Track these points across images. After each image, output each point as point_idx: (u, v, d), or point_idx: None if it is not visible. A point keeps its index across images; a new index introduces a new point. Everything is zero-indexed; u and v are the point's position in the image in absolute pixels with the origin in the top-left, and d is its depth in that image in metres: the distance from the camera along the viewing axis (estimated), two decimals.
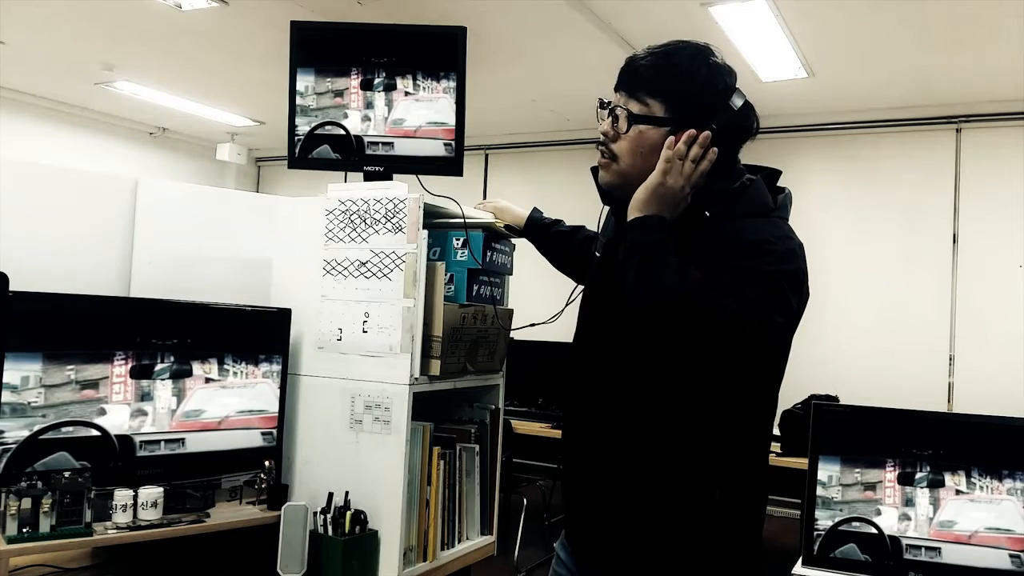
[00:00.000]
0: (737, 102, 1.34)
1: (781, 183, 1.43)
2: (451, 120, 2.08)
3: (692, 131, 1.30)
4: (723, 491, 1.33)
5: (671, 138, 1.31)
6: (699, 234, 1.30)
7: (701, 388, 1.30)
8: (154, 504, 1.79)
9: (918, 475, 1.93)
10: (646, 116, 1.33)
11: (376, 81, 2.10)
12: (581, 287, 1.61)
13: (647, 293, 1.25)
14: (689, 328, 1.22)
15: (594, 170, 1.44)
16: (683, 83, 1.33)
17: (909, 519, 1.92)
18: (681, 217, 1.32)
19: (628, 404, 1.36)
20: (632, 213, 1.32)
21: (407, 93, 2.09)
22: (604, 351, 1.42)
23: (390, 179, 2.08)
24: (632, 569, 1.35)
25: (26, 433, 1.70)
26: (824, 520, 1.96)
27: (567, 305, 1.64)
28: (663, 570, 1.34)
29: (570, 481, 1.48)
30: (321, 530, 1.89)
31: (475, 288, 2.06)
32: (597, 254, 1.52)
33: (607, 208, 1.52)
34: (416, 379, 1.91)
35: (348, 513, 1.88)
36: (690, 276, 1.23)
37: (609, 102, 1.39)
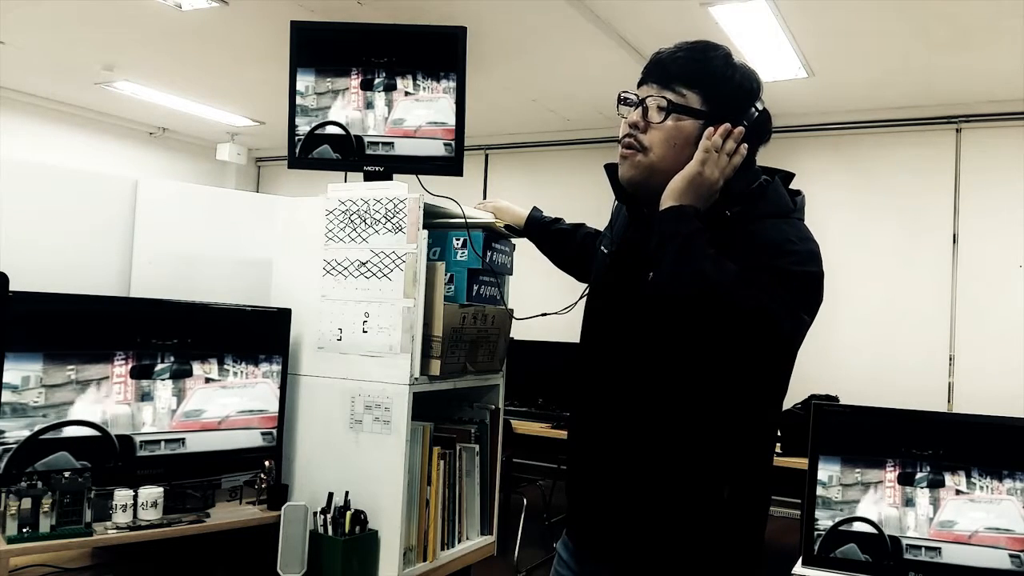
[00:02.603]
0: (759, 105, 1.37)
1: None
2: (451, 120, 2.08)
3: (728, 124, 1.31)
4: (731, 490, 1.33)
5: (711, 128, 1.31)
6: (720, 234, 1.30)
7: (714, 386, 1.30)
8: (154, 504, 1.79)
9: (918, 475, 1.93)
10: (684, 106, 1.33)
11: (376, 81, 2.10)
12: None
13: (684, 282, 1.23)
14: (723, 322, 1.22)
15: (608, 167, 1.44)
16: (722, 78, 1.34)
17: (907, 519, 1.92)
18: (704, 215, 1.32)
19: (638, 402, 1.35)
20: (667, 202, 1.31)
21: (407, 93, 2.09)
22: (613, 348, 1.41)
23: (390, 179, 2.08)
24: (639, 568, 1.35)
25: (26, 433, 1.71)
26: (824, 520, 1.96)
27: (581, 297, 1.63)
28: (670, 569, 1.34)
29: (577, 480, 1.48)
30: (321, 530, 1.89)
31: (475, 288, 2.06)
32: (603, 250, 1.52)
33: (616, 203, 1.51)
34: (416, 379, 1.91)
35: (348, 513, 1.88)
36: (727, 269, 1.23)
37: (633, 95, 1.38)
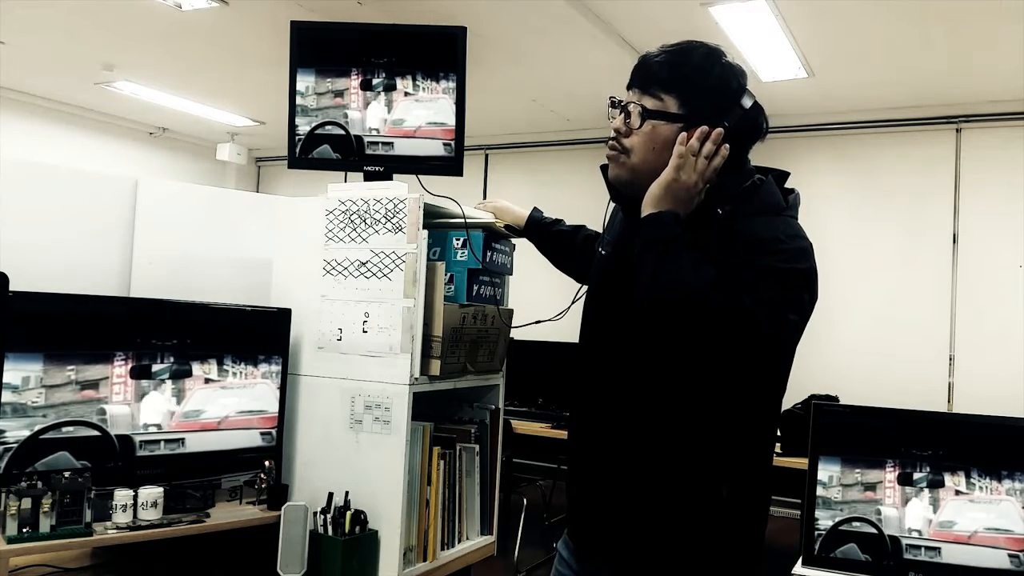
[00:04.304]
0: (747, 102, 1.35)
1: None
2: (451, 120, 2.08)
3: (705, 127, 1.31)
4: (730, 489, 1.33)
5: (683, 134, 1.31)
6: (711, 232, 1.31)
7: (710, 386, 1.31)
8: (154, 504, 1.79)
9: (918, 475, 1.93)
10: (660, 111, 1.34)
11: (376, 81, 2.10)
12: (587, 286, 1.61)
13: (663, 289, 1.25)
14: (705, 325, 1.23)
15: (604, 168, 1.44)
16: (697, 80, 1.34)
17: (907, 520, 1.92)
18: (693, 215, 1.32)
19: (636, 403, 1.36)
20: (646, 209, 1.32)
21: (407, 93, 2.09)
22: (611, 349, 1.42)
23: (390, 179, 2.08)
24: (639, 568, 1.35)
25: (27, 433, 1.71)
26: (824, 520, 1.96)
27: (573, 303, 1.64)
28: (670, 568, 1.34)
29: (577, 480, 1.48)
30: (321, 530, 1.89)
31: (475, 288, 2.06)
32: (601, 251, 1.52)
33: (612, 205, 1.52)
34: (416, 379, 1.91)
35: (348, 513, 1.88)
36: (706, 272, 1.24)
37: (620, 100, 1.39)
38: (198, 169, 7.72)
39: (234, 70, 5.37)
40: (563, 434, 4.30)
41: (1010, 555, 1.85)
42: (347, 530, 1.87)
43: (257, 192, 7.93)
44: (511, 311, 2.21)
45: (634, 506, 1.35)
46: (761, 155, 1.42)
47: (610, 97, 1.41)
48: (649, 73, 1.36)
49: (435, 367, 1.95)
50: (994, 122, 5.05)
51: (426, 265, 1.94)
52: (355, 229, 2.00)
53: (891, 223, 5.31)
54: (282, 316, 2.07)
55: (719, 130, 1.31)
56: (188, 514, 1.85)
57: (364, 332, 1.96)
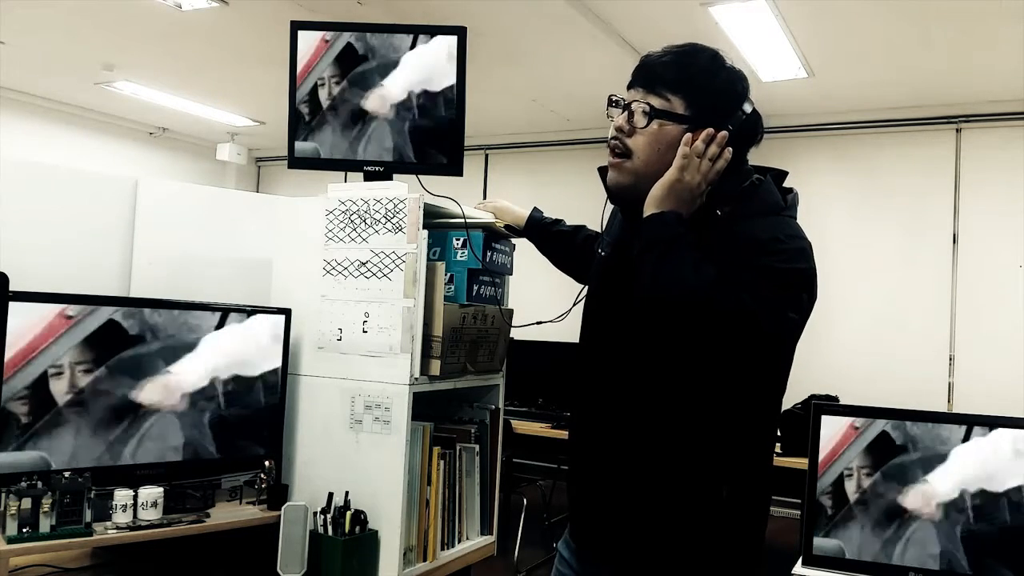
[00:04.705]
0: (747, 107, 1.37)
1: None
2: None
3: (710, 130, 1.31)
4: (730, 490, 1.33)
5: (688, 135, 1.32)
6: (711, 233, 1.31)
7: (710, 386, 1.31)
8: (154, 504, 1.79)
9: None
10: (666, 111, 1.34)
11: None
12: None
13: (663, 288, 1.25)
14: (705, 325, 1.23)
15: (601, 170, 1.44)
16: (705, 82, 1.34)
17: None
18: (693, 217, 1.32)
19: (636, 403, 1.36)
20: (648, 209, 1.32)
21: None
22: (611, 350, 1.42)
23: (390, 179, 2.08)
24: (640, 568, 1.35)
25: None
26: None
27: (574, 304, 1.64)
28: (671, 568, 1.34)
29: (578, 480, 1.48)
30: (321, 530, 1.89)
31: (475, 288, 2.06)
32: (601, 252, 1.52)
33: (611, 206, 1.52)
34: (416, 379, 1.91)
35: (348, 513, 1.88)
36: (707, 272, 1.24)
37: (620, 99, 1.39)
38: (198, 169, 7.72)
39: (234, 70, 5.37)
40: (563, 434, 4.31)
41: None
42: (347, 530, 1.87)
43: (257, 192, 7.93)
44: (511, 311, 2.21)
45: (635, 506, 1.36)
46: (760, 155, 1.42)
47: (610, 95, 1.40)
48: (654, 73, 1.36)
49: (435, 367, 1.95)
50: (994, 122, 5.05)
51: (426, 265, 1.94)
52: (355, 229, 2.00)
53: (891, 223, 5.31)
54: (282, 316, 2.07)
55: (724, 133, 1.32)
56: (188, 514, 1.85)
57: (364, 332, 1.96)
